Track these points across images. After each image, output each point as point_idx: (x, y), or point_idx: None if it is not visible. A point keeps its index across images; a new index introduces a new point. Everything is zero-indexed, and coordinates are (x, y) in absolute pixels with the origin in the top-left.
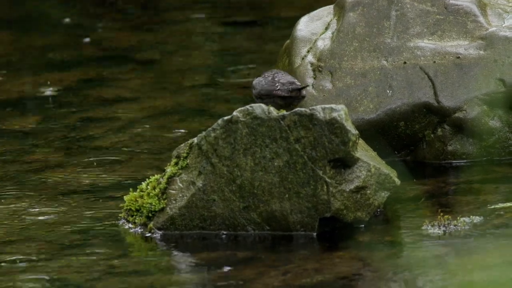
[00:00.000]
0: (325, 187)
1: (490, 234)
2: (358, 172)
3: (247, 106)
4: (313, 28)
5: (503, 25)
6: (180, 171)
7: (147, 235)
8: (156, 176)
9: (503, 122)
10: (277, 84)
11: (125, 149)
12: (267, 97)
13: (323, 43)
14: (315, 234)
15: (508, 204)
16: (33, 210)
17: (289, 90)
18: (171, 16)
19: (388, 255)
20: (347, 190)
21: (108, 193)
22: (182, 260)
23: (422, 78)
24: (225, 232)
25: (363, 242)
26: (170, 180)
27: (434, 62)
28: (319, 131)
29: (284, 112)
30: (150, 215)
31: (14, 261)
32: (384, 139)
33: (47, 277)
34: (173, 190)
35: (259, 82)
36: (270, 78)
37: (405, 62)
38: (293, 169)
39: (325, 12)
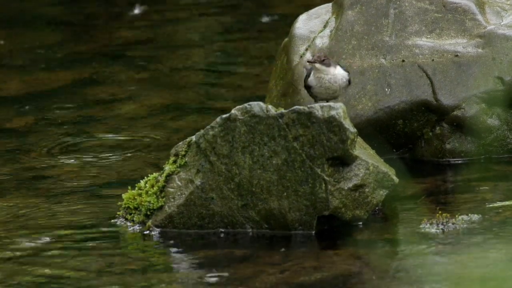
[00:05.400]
0: (324, 185)
1: (489, 232)
2: (356, 170)
3: (246, 104)
4: (312, 26)
5: (502, 23)
6: (179, 169)
7: (145, 233)
8: (155, 174)
9: (502, 120)
10: None
11: (123, 147)
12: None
13: (322, 41)
14: (313, 232)
15: (507, 203)
16: (31, 208)
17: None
18: (169, 14)
19: (387, 253)
20: (346, 188)
21: (107, 191)
22: (180, 258)
23: (421, 76)
24: (223, 230)
25: (361, 240)
26: (169, 178)
27: (433, 60)
28: (318, 129)
29: (282, 110)
30: (148, 213)
31: (13, 259)
32: (383, 137)
33: (45, 275)
34: (171, 188)
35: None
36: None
37: (403, 60)
38: (292, 167)
39: (324, 10)
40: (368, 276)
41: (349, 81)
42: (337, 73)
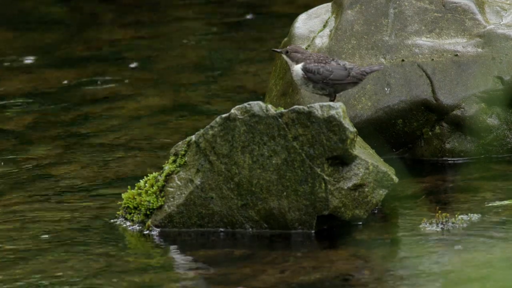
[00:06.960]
0: (323, 184)
1: (488, 232)
2: (356, 170)
3: (245, 104)
4: (311, 26)
5: (501, 23)
6: (178, 168)
7: (145, 232)
8: (154, 174)
9: (501, 120)
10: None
11: (123, 147)
12: (338, 83)
13: (321, 40)
14: (313, 232)
15: (506, 202)
16: (30, 207)
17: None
18: (169, 14)
19: (386, 253)
20: (345, 187)
21: (106, 191)
22: (180, 257)
23: (420, 75)
24: (223, 230)
25: (361, 240)
26: (168, 177)
27: (432, 59)
28: (317, 128)
29: (282, 109)
30: (148, 212)
31: (12, 259)
32: (382, 136)
33: (45, 275)
34: (171, 187)
35: (328, 68)
36: (336, 63)
37: (403, 60)
38: (291, 166)
39: (323, 10)
40: (368, 276)
41: (312, 80)
42: (294, 69)
